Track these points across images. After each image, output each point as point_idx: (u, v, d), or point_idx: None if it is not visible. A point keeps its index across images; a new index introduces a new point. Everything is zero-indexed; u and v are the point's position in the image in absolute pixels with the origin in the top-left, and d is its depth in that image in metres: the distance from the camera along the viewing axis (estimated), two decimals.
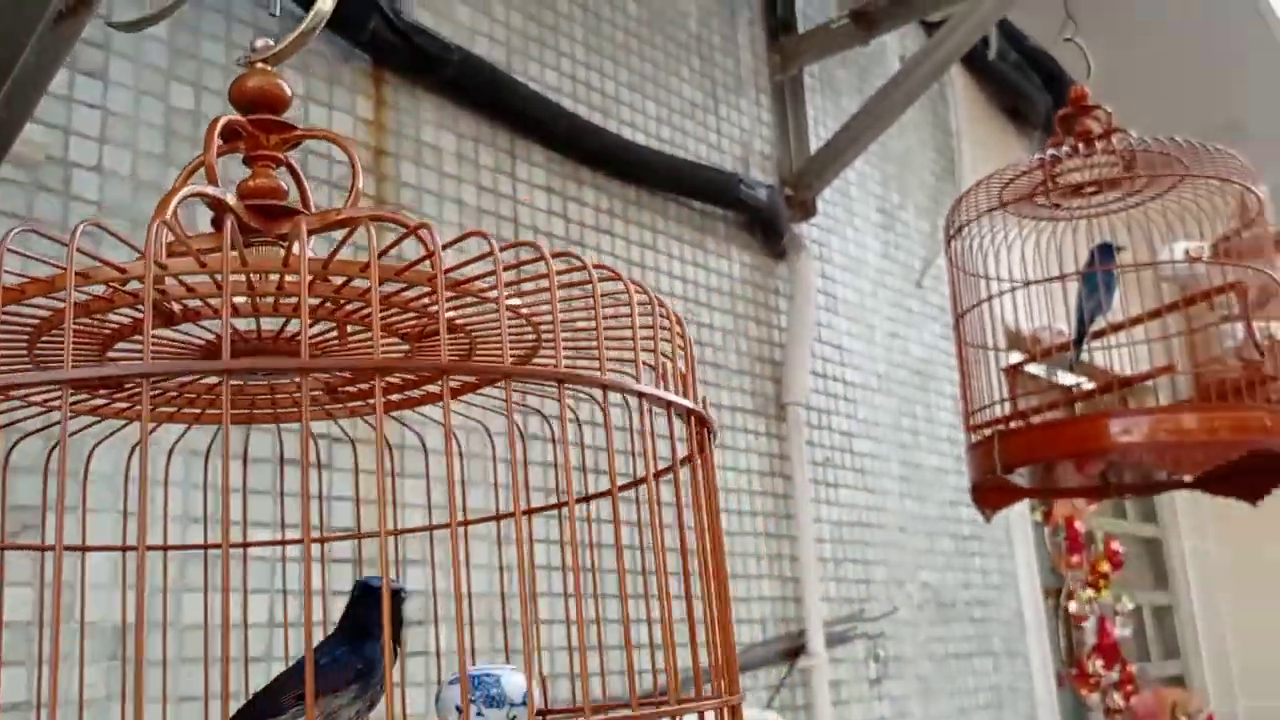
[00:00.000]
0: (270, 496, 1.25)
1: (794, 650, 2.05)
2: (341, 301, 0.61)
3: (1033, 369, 2.20)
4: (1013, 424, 1.95)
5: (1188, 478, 1.94)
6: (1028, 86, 3.21)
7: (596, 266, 0.61)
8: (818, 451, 2.29)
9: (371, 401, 0.75)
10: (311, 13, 0.64)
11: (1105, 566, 3.03)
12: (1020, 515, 2.84)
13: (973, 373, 2.02)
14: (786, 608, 2.09)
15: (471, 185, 1.72)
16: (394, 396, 0.77)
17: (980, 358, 2.04)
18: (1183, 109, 3.90)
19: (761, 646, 2.00)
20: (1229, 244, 1.97)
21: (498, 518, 0.81)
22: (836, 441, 2.35)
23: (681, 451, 0.64)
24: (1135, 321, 1.94)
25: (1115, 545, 3.14)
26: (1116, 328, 1.98)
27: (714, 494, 0.64)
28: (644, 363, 0.61)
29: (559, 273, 0.57)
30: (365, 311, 0.62)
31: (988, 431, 1.90)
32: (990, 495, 2.02)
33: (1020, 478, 2.07)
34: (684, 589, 0.62)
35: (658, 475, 0.61)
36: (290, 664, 0.79)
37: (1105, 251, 1.96)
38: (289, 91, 0.64)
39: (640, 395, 0.59)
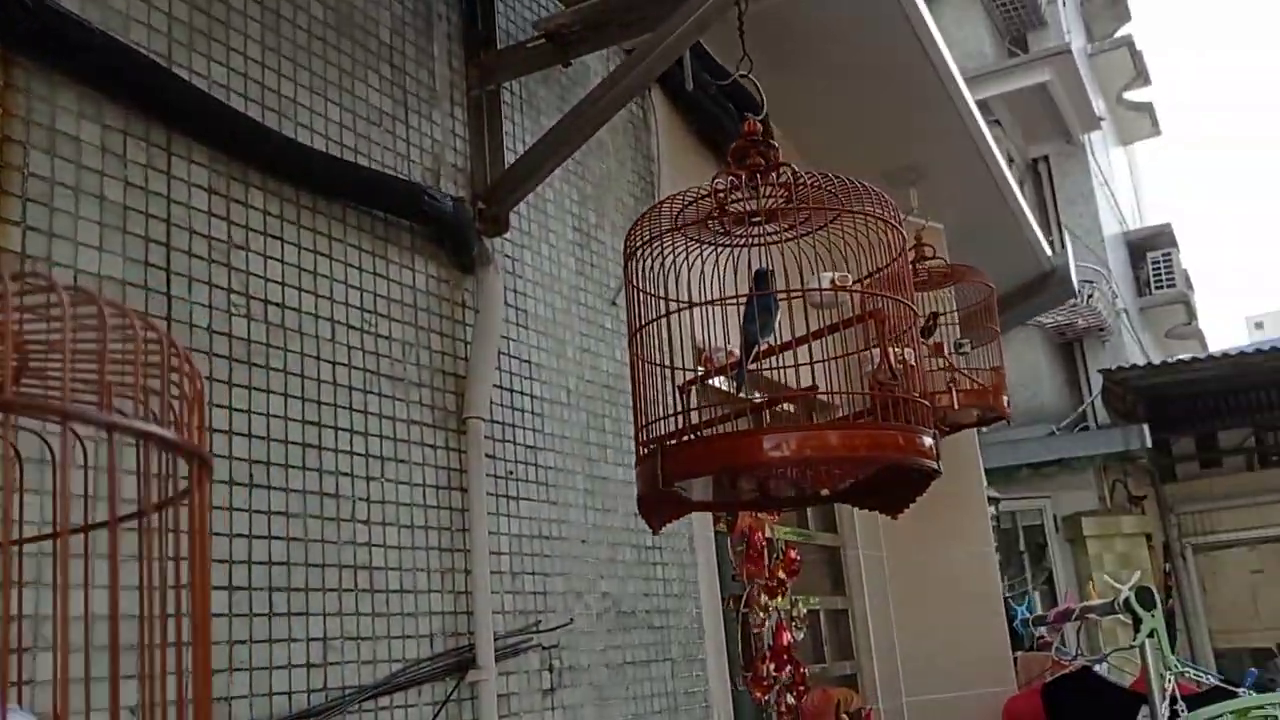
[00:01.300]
0: None
1: (463, 664, 2.05)
2: None
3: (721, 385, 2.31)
4: (685, 438, 2.05)
5: (824, 491, 2.08)
6: (725, 119, 3.38)
7: (108, 303, 0.58)
8: (500, 465, 2.30)
9: None
10: None
11: (783, 574, 3.23)
12: (703, 526, 2.98)
13: (651, 388, 2.10)
14: (459, 621, 2.09)
15: (118, 181, 1.61)
16: None
17: (659, 374, 2.13)
18: (869, 151, 4.24)
19: (429, 662, 1.99)
20: (876, 276, 2.16)
21: None
22: (520, 455, 2.37)
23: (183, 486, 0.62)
24: (787, 345, 2.07)
25: (794, 554, 3.35)
26: (783, 348, 2.11)
27: (205, 533, 0.63)
28: (131, 395, 0.59)
29: (21, 293, 0.54)
30: None
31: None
32: (656, 508, 2.11)
33: (692, 490, 2.17)
34: (164, 626, 0.60)
35: (143, 513, 0.59)
36: None
37: (760, 277, 2.09)
38: None
39: (110, 426, 0.56)
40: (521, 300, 2.49)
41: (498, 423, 2.32)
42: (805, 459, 1.94)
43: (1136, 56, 14.02)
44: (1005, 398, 4.10)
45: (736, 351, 2.14)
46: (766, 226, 2.16)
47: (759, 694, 3.03)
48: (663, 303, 2.12)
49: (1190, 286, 14.12)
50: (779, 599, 3.18)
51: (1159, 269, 13.01)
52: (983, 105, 10.62)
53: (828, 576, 4.03)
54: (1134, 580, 3.56)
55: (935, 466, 1.98)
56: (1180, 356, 9.77)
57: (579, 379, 2.63)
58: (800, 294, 2.03)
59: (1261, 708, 3.43)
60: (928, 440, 1.97)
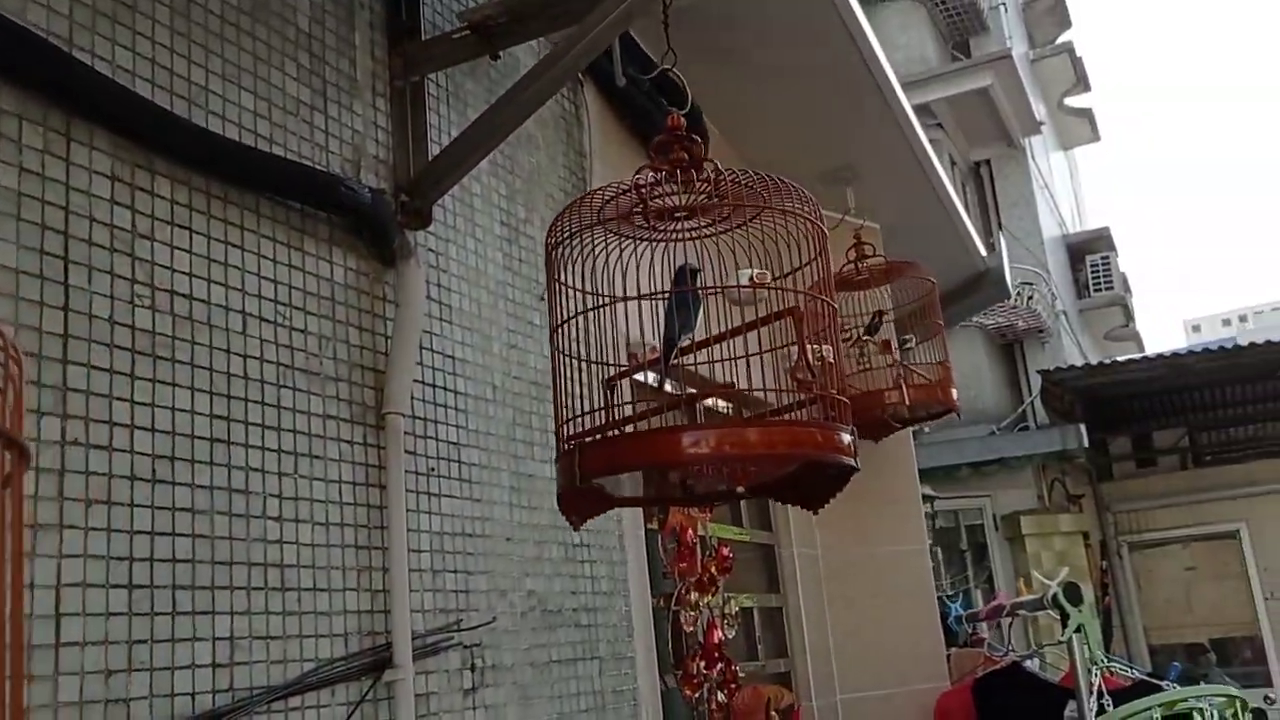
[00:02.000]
0: None
1: (380, 664, 2.02)
2: None
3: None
4: (610, 434, 2.03)
5: (740, 488, 2.08)
6: (659, 114, 3.36)
7: None
8: (421, 461, 2.27)
9: None
10: None
11: (715, 571, 3.22)
12: (634, 524, 2.97)
13: (574, 383, 2.08)
14: (375, 620, 2.05)
15: (12, 167, 1.56)
16: None
17: (583, 370, 2.11)
18: (805, 151, 4.26)
19: (343, 661, 1.95)
20: (798, 272, 2.15)
21: None
22: (443, 451, 2.34)
23: None
24: (704, 343, 2.06)
25: (726, 551, 3.35)
26: (700, 345, 2.10)
27: (19, 528, 0.60)
28: None
29: None
30: None
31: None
32: (577, 504, 2.09)
33: (618, 486, 2.15)
34: None
35: None
36: None
37: (686, 274, 2.08)
38: None
39: None
40: (445, 295, 2.46)
41: (419, 418, 2.29)
42: (724, 456, 1.93)
43: (1077, 63, 14.26)
44: (953, 391, 4.13)
45: (659, 347, 2.13)
46: (691, 222, 2.16)
47: (689, 692, 3.02)
48: (585, 297, 2.10)
49: (1128, 289, 14.40)
50: (710, 596, 3.17)
51: (1097, 272, 13.25)
52: (925, 109, 10.77)
53: (763, 574, 4.04)
54: (1062, 577, 3.60)
55: (853, 463, 1.98)
56: (1116, 358, 9.94)
57: (505, 375, 2.61)
58: (717, 290, 2.03)
59: (1185, 700, 3.48)
60: (846, 437, 1.97)
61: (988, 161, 11.88)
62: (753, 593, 3.91)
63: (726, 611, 3.28)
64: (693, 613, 3.05)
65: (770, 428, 1.98)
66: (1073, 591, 3.52)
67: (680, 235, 2.14)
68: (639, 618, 2.89)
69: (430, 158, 2.41)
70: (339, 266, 2.15)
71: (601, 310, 2.12)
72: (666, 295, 2.03)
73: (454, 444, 2.38)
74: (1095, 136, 16.07)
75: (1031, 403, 10.37)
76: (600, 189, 2.09)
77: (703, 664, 3.04)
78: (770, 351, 2.07)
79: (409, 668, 2.03)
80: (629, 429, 2.03)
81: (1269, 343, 9.01)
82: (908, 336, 4.15)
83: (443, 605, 2.24)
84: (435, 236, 2.46)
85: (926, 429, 9.97)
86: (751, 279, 1.96)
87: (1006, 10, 12.85)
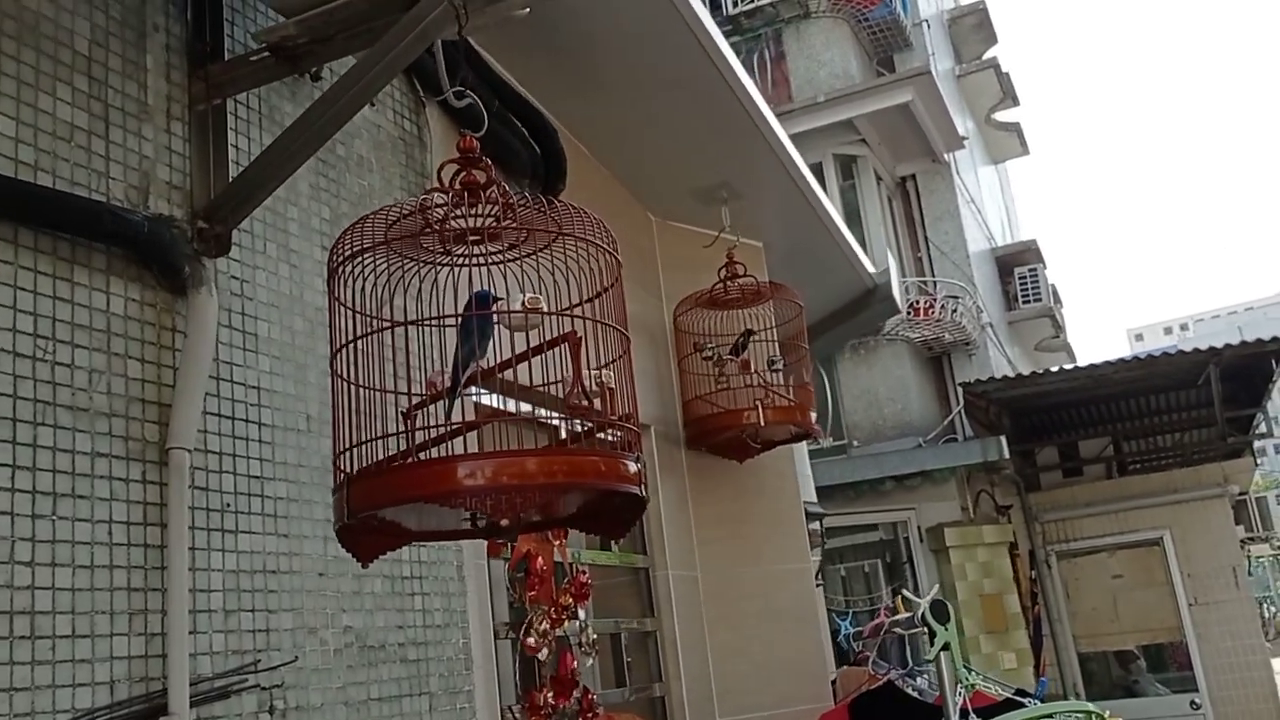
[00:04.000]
0: None
1: (154, 711, 1.94)
2: None
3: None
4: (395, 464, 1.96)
5: (511, 519, 2.02)
6: (509, 136, 3.32)
7: None
8: (215, 497, 2.19)
9: None
10: None
11: (568, 599, 3.16)
12: (475, 553, 2.90)
13: (358, 412, 2.02)
14: (150, 666, 1.97)
15: None
16: None
17: (370, 397, 2.05)
18: (678, 170, 4.23)
19: (106, 710, 1.87)
20: (595, 300, 2.10)
21: None
22: (242, 486, 2.26)
23: None
24: (490, 371, 2.00)
25: (583, 577, 3.29)
26: (486, 375, 2.04)
27: None
28: None
29: None
30: None
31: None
32: (361, 540, 2.02)
33: (409, 517, 2.08)
34: None
35: None
36: None
37: (481, 300, 2.03)
38: None
39: None
40: (251, 323, 2.38)
41: (214, 453, 2.21)
42: (501, 487, 1.87)
43: (1004, 78, 14.44)
44: (812, 415, 4.12)
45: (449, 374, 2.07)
46: (490, 247, 2.11)
47: None
48: (367, 320, 2.04)
49: (1058, 300, 14.57)
50: (563, 625, 3.11)
51: (1026, 284, 13.38)
52: (849, 124, 10.84)
53: (636, 598, 3.98)
54: (931, 594, 3.58)
55: (639, 492, 1.93)
56: (1037, 370, 10.03)
57: (323, 404, 2.53)
58: (492, 315, 1.97)
59: (1052, 716, 3.48)
60: (632, 466, 1.92)
61: (913, 176, 11.97)
62: (626, 617, 3.85)
63: (584, 639, 3.22)
64: (539, 641, 2.98)
65: (550, 457, 1.93)
66: (940, 610, 3.50)
67: (475, 260, 2.09)
68: (479, 650, 2.82)
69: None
70: (117, 297, 2.07)
71: (394, 334, 2.06)
72: (451, 320, 1.97)
73: (256, 478, 2.30)
74: (1024, 150, 16.29)
75: (958, 415, 10.43)
76: (385, 209, 2.03)
77: (551, 695, 2.97)
78: (557, 383, 2.01)
79: (185, 713, 1.95)
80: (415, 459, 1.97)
81: (1181, 352, 9.14)
82: (776, 357, 4.13)
83: (237, 646, 2.16)
84: (240, 264, 2.39)
85: (854, 444, 10.01)
86: (523, 304, 1.91)
87: (930, 27, 12.99)
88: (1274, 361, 9.25)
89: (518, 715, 2.93)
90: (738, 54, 12.40)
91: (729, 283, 4.07)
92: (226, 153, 2.37)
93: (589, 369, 1.90)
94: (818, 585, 4.95)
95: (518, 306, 1.91)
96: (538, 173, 3.46)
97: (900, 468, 9.23)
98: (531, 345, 1.96)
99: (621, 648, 3.78)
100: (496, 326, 2.02)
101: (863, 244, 10.29)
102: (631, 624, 3.79)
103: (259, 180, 2.30)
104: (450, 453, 1.92)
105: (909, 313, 10.37)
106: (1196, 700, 9.83)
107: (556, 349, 1.97)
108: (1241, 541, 11.30)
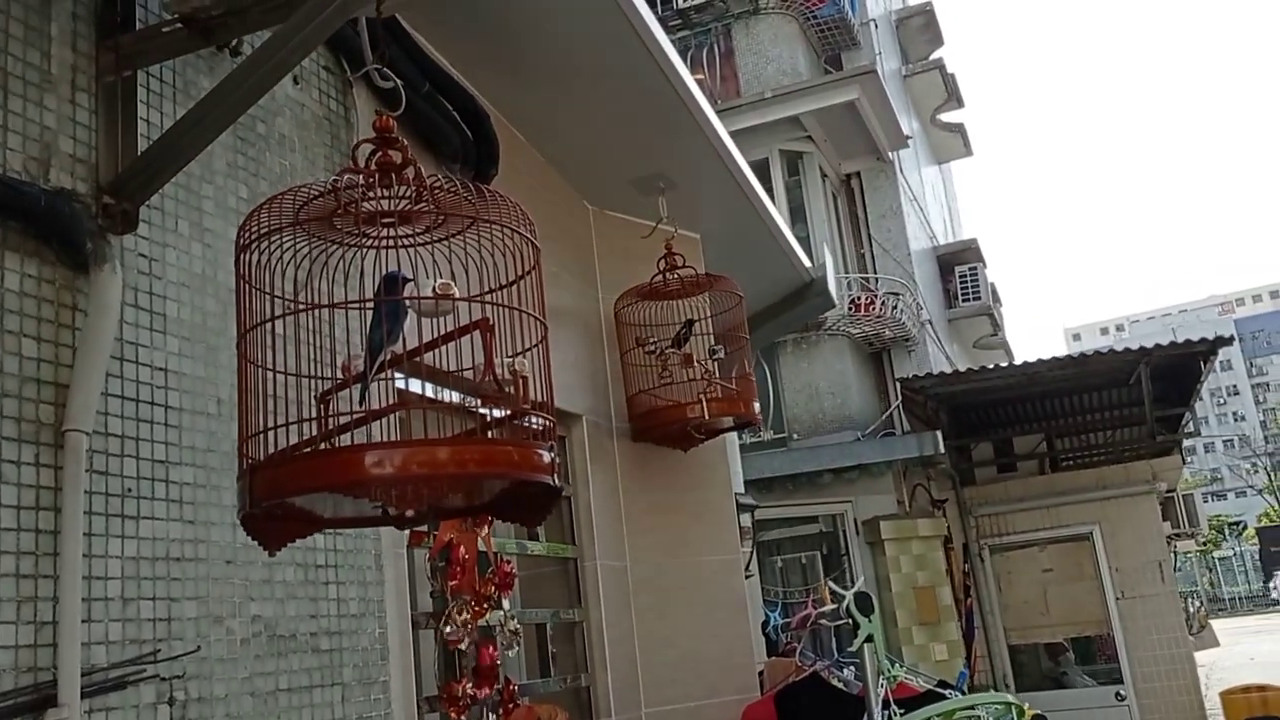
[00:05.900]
0: None
1: (42, 702, 1.87)
2: None
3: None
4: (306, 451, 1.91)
5: (460, 504, 1.98)
6: (439, 119, 3.26)
7: None
8: (116, 481, 2.12)
9: None
10: None
11: (491, 589, 3.12)
12: (394, 541, 2.85)
13: (264, 396, 1.97)
14: (40, 656, 1.90)
15: None
16: None
17: (279, 381, 1.99)
18: (615, 159, 4.20)
19: None
20: (511, 286, 2.07)
21: None
22: (145, 470, 2.19)
23: None
24: (398, 359, 1.95)
25: (507, 567, 3.25)
26: (394, 361, 1.99)
27: None
28: None
29: None
30: None
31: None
32: (268, 528, 1.97)
33: (318, 504, 2.03)
34: None
35: None
36: None
37: (391, 282, 1.98)
38: None
39: None
40: (160, 303, 2.31)
41: (115, 435, 2.14)
42: (411, 476, 1.83)
43: (949, 79, 14.59)
44: (755, 404, 4.11)
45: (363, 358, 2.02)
46: (403, 229, 2.06)
47: (455, 715, 2.91)
48: (277, 303, 1.99)
49: (997, 299, 14.78)
50: (484, 614, 3.07)
51: (966, 282, 13.56)
52: (795, 121, 10.88)
53: (563, 588, 3.96)
54: (856, 586, 3.60)
55: (552, 482, 1.90)
56: (973, 367, 10.15)
57: (234, 387, 2.46)
58: (403, 300, 1.93)
59: (973, 708, 3.51)
60: (545, 456, 1.89)
61: (858, 174, 12.04)
62: (552, 607, 3.82)
63: (506, 629, 3.18)
64: (460, 631, 2.94)
65: (462, 446, 1.89)
66: (864, 601, 3.51)
67: (390, 243, 2.03)
68: (396, 640, 2.77)
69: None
70: (12, 272, 1.99)
71: (308, 317, 2.01)
72: (355, 304, 1.93)
73: (161, 462, 2.23)
74: (968, 151, 16.48)
75: (897, 409, 10.53)
76: (295, 188, 1.98)
77: (470, 686, 2.93)
78: (470, 369, 1.97)
79: (76, 705, 1.88)
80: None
81: (1113, 351, 9.31)
82: (717, 346, 4.12)
83: (135, 635, 2.09)
84: (150, 241, 2.31)
85: (794, 437, 10.07)
86: (434, 290, 1.87)
87: (878, 27, 13.07)
88: (1202, 362, 9.46)
89: (433, 708, 2.88)
90: (687, 48, 12.38)
91: (668, 274, 4.05)
92: (136, 126, 2.29)
93: (501, 357, 1.86)
94: (747, 577, 4.96)
95: (429, 292, 1.86)
96: (469, 157, 3.40)
97: (838, 461, 9.30)
98: (443, 332, 1.92)
99: (547, 638, 3.75)
100: (409, 310, 1.97)
101: (807, 240, 10.35)
102: (558, 614, 3.76)
103: (169, 155, 2.23)
104: (369, 440, 1.88)
105: (850, 308, 10.45)
106: (1122, 692, 10.03)
107: (469, 335, 1.93)
108: (1168, 537, 11.54)
